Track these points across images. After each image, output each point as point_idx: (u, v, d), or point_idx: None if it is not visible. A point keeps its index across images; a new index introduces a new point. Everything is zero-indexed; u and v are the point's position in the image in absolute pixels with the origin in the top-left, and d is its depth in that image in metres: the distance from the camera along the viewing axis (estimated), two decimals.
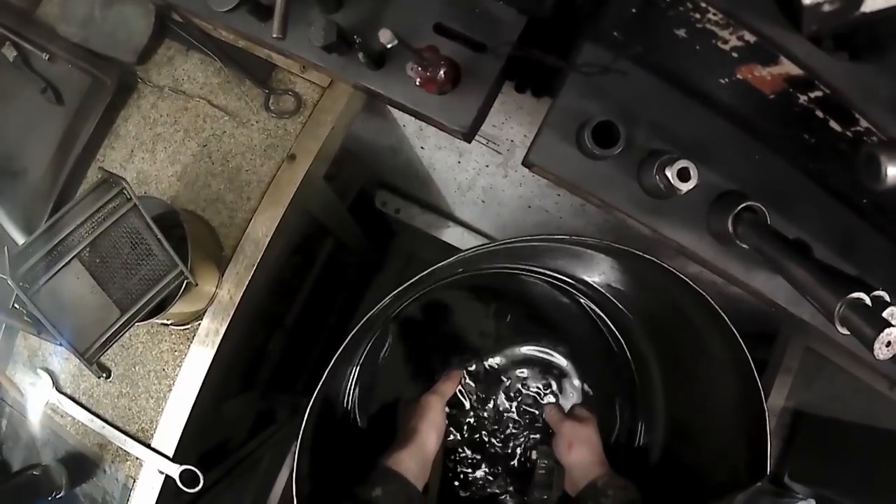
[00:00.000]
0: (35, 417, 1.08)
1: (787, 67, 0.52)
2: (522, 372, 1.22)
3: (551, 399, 1.23)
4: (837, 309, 0.51)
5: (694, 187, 0.61)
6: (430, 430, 0.97)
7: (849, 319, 0.51)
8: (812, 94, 0.54)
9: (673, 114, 0.68)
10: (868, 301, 0.51)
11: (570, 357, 1.22)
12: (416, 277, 0.83)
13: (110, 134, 1.10)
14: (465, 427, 1.21)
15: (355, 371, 1.16)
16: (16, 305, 1.07)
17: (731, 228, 0.65)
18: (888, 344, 0.47)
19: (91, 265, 0.84)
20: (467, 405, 1.21)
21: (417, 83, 0.67)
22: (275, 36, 0.69)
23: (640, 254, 0.84)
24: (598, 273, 1.04)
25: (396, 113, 1.18)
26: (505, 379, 1.22)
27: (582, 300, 1.15)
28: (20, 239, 1.04)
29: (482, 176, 1.31)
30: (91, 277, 0.83)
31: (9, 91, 1.14)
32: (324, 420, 1.05)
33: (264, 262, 1.00)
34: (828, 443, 1.07)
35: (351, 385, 1.16)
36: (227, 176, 1.04)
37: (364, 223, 1.63)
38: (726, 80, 0.61)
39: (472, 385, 1.22)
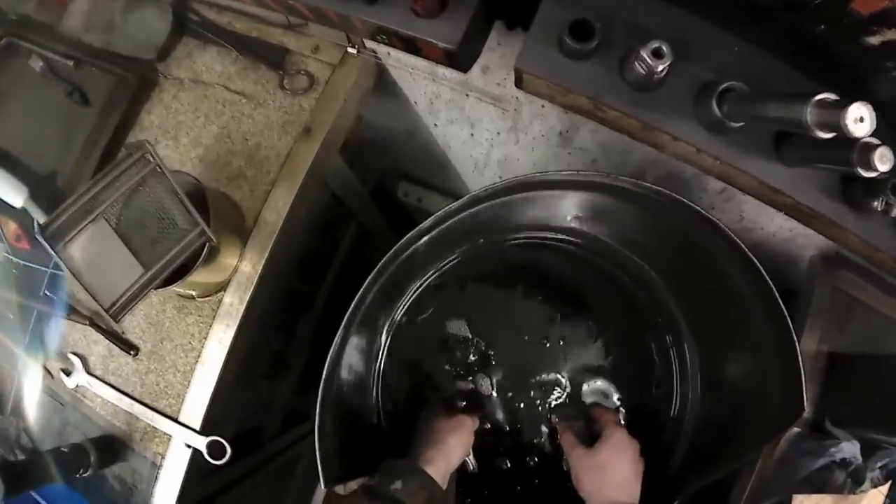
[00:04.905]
0: (67, 401, 1.09)
1: None
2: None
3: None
4: (807, 112, 0.51)
5: (669, 64, 0.61)
6: (458, 446, 0.92)
7: (818, 116, 0.51)
8: None
9: (649, 14, 0.69)
10: (832, 98, 0.51)
11: (598, 326, 1.17)
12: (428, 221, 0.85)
13: (135, 126, 1.14)
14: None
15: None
16: (46, 292, 1.12)
17: (717, 110, 0.65)
18: (860, 119, 0.48)
19: (117, 225, 0.85)
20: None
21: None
22: None
23: (660, 189, 0.81)
24: (614, 223, 1.03)
25: (408, 90, 1.21)
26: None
27: (598, 261, 1.12)
28: None
29: (496, 147, 1.31)
30: (117, 237, 0.85)
31: (38, 99, 1.21)
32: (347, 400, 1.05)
33: (285, 231, 1.01)
34: (866, 381, 1.01)
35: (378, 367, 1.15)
36: (247, 153, 1.06)
37: (388, 217, 1.66)
38: None
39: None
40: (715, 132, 0.68)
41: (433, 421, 0.96)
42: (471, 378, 1.13)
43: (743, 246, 0.84)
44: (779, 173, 0.69)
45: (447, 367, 1.14)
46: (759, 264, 0.85)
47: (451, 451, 0.91)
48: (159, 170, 0.87)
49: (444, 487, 0.90)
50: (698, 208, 0.82)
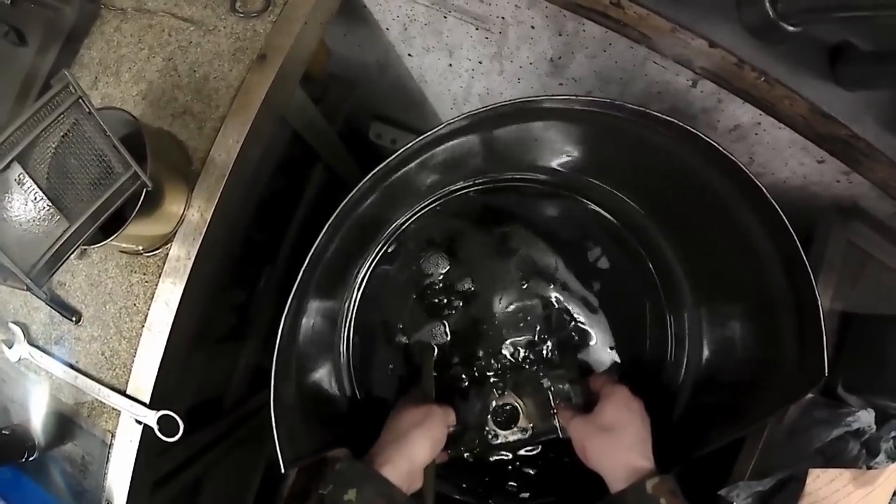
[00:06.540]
0: (9, 377, 0.99)
1: None
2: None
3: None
4: None
5: None
6: (424, 441, 0.80)
7: None
8: None
9: None
10: None
11: (587, 278, 1.05)
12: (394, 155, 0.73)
13: (73, 64, 0.98)
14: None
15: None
16: None
17: (768, 7, 0.53)
18: None
19: (40, 173, 0.74)
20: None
21: None
22: None
23: (672, 120, 0.69)
24: (611, 163, 0.90)
25: (379, 15, 1.07)
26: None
27: (590, 206, 1.01)
28: None
29: (477, 79, 1.17)
30: (35, 186, 0.74)
31: None
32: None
33: (237, 173, 0.88)
34: (878, 344, 0.92)
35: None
36: (194, 87, 0.91)
37: (359, 161, 1.51)
38: None
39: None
40: (763, 39, 0.54)
41: (397, 411, 0.86)
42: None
43: (765, 191, 0.73)
44: (834, 97, 0.58)
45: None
46: (782, 213, 0.74)
47: (414, 446, 0.79)
48: (84, 106, 0.73)
49: (416, 486, 0.80)
50: (717, 145, 0.70)
